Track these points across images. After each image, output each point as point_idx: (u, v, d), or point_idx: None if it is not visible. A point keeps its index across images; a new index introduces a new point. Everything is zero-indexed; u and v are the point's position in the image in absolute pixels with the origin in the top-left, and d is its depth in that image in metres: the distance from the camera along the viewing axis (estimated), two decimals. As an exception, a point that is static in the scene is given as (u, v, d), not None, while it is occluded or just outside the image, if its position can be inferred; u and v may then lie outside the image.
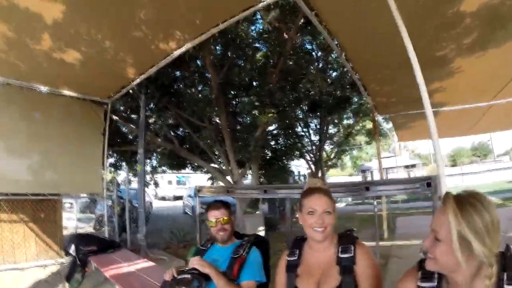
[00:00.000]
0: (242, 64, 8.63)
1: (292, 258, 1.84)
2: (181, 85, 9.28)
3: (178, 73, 8.79)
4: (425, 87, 2.80)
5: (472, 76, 6.19)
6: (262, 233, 8.37)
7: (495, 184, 25.62)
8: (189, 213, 16.36)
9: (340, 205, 22.43)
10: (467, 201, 1.15)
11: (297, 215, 1.92)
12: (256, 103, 7.04)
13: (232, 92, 9.43)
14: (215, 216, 2.37)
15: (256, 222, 9.10)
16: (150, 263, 4.55)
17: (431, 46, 4.93)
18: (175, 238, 8.69)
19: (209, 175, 11.52)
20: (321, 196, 1.76)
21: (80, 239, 5.71)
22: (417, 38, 4.39)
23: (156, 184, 12.45)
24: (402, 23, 2.91)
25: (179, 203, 21.42)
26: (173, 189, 29.67)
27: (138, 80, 6.04)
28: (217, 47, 8.61)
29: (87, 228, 8.66)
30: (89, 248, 5.39)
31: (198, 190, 4.12)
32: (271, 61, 8.21)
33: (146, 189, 10.30)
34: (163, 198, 28.65)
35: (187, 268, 2.12)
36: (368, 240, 8.61)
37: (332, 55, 8.97)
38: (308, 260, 1.81)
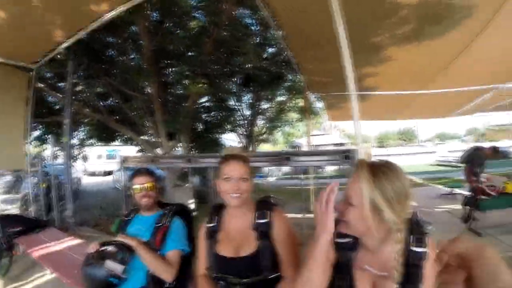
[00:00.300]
0: (177, 32, 8.29)
1: (211, 225, 1.89)
2: (113, 52, 8.74)
3: (110, 39, 8.26)
4: (352, 70, 2.91)
5: (403, 64, 6.53)
6: (192, 206, 8.35)
7: (418, 166, 28.26)
8: (119, 187, 15.67)
9: (270, 179, 23.05)
10: (380, 170, 1.23)
11: None
12: (188, 73, 6.84)
13: (165, 61, 9.01)
14: (140, 182, 2.38)
15: (186, 194, 8.98)
16: (80, 241, 4.42)
17: (366, 32, 5.12)
18: (104, 214, 8.39)
19: (139, 148, 11.15)
20: (237, 163, 1.81)
21: (4, 220, 5.24)
22: (353, 23, 4.50)
23: (85, 159, 11.59)
24: (338, 8, 2.96)
25: (110, 178, 20.41)
26: (103, 164, 28.24)
27: (66, 44, 5.53)
28: (154, 13, 8.15)
29: (12, 210, 8.09)
30: (15, 229, 5.01)
31: (123, 160, 4.11)
32: (207, 31, 7.96)
33: (74, 164, 9.77)
34: (93, 174, 27.06)
35: (110, 241, 2.14)
36: (296, 212, 9.02)
37: (270, 32, 8.94)
38: (227, 227, 1.87)
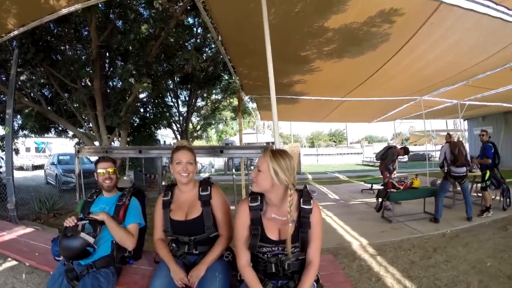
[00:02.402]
0: (127, 31, 8.51)
1: (166, 198, 2.52)
2: (59, 43, 8.65)
3: (58, 29, 8.26)
4: (273, 78, 3.60)
5: (328, 76, 7.31)
6: None
7: (346, 165, 29.93)
8: (52, 182, 14.89)
9: (203, 175, 23.27)
10: (278, 152, 1.98)
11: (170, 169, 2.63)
12: (134, 72, 7.09)
13: (111, 58, 9.26)
14: (104, 167, 2.86)
15: (126, 186, 9.12)
16: (30, 229, 4.46)
17: (297, 47, 5.77)
18: (44, 208, 8.24)
19: (75, 140, 10.98)
20: (185, 151, 2.47)
21: None
22: (285, 39, 5.16)
23: (17, 151, 10.50)
24: (267, 25, 3.52)
25: (39, 173, 19.22)
26: (31, 158, 26.37)
27: (16, 32, 5.47)
28: (104, 10, 8.33)
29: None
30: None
31: (78, 150, 4.34)
32: (155, 35, 8.34)
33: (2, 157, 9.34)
34: (21, 168, 24.69)
35: (84, 217, 2.56)
36: (230, 204, 9.41)
37: (210, 35, 9.34)
38: (178, 199, 2.52)
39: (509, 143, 12.52)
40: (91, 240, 2.43)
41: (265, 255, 2.03)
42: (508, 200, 7.71)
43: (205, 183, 2.54)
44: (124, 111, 7.96)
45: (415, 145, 35.01)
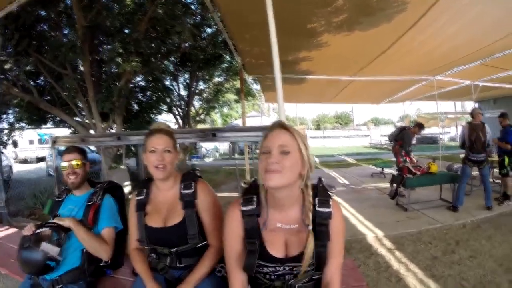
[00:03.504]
0: (113, 8, 7.84)
1: (140, 198, 1.94)
2: (45, 27, 8.07)
3: (43, 13, 7.64)
4: (277, 54, 2.94)
5: (337, 52, 6.69)
6: (128, 188, 8.08)
7: (353, 147, 29.67)
8: (53, 174, 14.32)
9: (208, 160, 23.04)
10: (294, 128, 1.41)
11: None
12: (120, 50, 6.52)
13: (99, 38, 8.52)
14: (67, 160, 2.32)
15: (122, 177, 8.68)
16: (14, 230, 4.11)
17: (303, 18, 5.15)
18: (39, 203, 7.85)
19: (72, 130, 10.37)
20: (161, 136, 1.87)
21: None
22: (289, 9, 4.58)
23: (15, 144, 10.40)
24: None
25: (43, 164, 18.78)
26: (36, 150, 26.21)
27: None
28: None
29: None
30: None
31: (54, 141, 3.91)
32: (143, 8, 7.63)
33: (4, 150, 8.99)
34: (25, 161, 24.82)
35: (45, 223, 2.09)
36: (232, 190, 9.13)
37: (209, 13, 8.78)
38: (155, 199, 1.95)
39: None
40: (54, 251, 1.99)
41: (267, 276, 1.46)
42: None
43: (188, 177, 1.95)
44: (116, 95, 7.42)
45: (419, 134, 34.60)
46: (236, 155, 13.32)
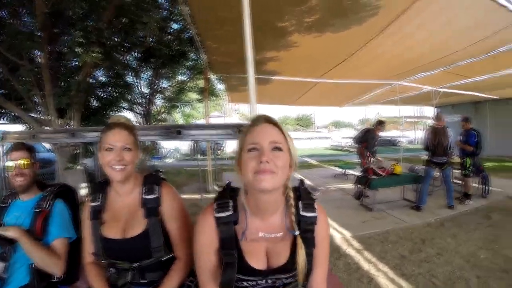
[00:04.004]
0: None
1: (95, 204, 1.66)
2: (4, 14, 7.42)
3: None
4: (252, 53, 2.82)
5: (305, 53, 6.67)
6: (85, 190, 7.63)
7: (315, 149, 30.13)
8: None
9: (168, 161, 22.62)
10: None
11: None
12: (82, 40, 6.10)
13: (60, 27, 7.69)
14: (14, 158, 2.00)
15: (78, 177, 8.14)
16: None
17: (274, 16, 5.05)
18: None
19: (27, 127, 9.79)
20: (120, 131, 1.62)
21: None
22: (261, 6, 4.45)
23: None
24: None
25: None
26: None
27: None
28: None
29: None
30: None
31: (2, 137, 3.56)
32: None
33: None
34: None
35: None
36: (194, 192, 8.91)
37: (176, 7, 8.49)
38: (113, 205, 1.67)
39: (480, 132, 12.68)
40: None
41: None
42: (487, 187, 7.60)
43: (151, 180, 1.70)
44: (74, 89, 6.97)
45: (382, 131, 35.69)
46: (199, 156, 13.08)
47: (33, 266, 1.84)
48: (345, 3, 4.57)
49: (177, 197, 1.71)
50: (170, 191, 1.70)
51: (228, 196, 1.32)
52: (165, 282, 1.58)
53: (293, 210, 1.26)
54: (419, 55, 7.11)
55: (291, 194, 1.28)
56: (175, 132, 2.90)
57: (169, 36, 9.86)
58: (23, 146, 2.07)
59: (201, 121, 27.46)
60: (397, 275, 3.86)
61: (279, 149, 1.18)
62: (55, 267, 1.86)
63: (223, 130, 2.86)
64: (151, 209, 1.61)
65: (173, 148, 26.59)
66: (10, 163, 1.98)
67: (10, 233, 1.77)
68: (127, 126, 1.66)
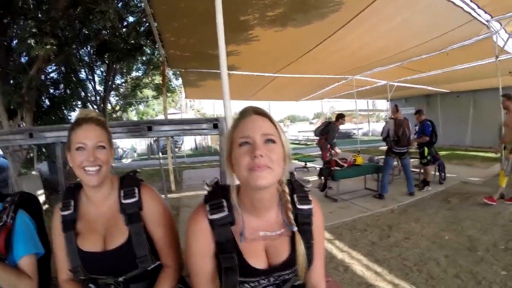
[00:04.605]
0: None
1: (66, 212, 1.41)
2: None
3: None
4: (224, 48, 2.74)
5: (265, 47, 6.69)
6: (42, 198, 7.12)
7: (272, 144, 30.64)
8: None
9: (126, 161, 21.99)
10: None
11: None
12: (34, 30, 5.66)
13: (9, 18, 7.22)
14: None
15: (34, 184, 7.40)
16: None
17: (237, 8, 4.95)
18: None
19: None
20: (92, 127, 1.38)
21: None
22: None
23: None
24: None
25: None
26: None
27: None
28: None
29: None
30: None
31: None
32: None
33: None
34: None
35: None
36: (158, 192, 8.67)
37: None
38: (87, 213, 1.44)
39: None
40: None
41: None
42: (443, 174, 8.00)
43: (129, 182, 1.49)
44: (25, 87, 6.49)
45: (343, 124, 36.70)
46: (160, 154, 12.76)
47: None
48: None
49: (159, 199, 1.52)
50: (151, 192, 1.50)
51: (220, 195, 1.20)
52: None
53: (289, 205, 1.19)
54: (375, 51, 7.37)
55: (286, 189, 1.20)
56: (146, 128, 2.71)
57: (125, 29, 9.51)
58: None
59: (157, 118, 26.96)
60: (371, 261, 3.95)
61: (273, 141, 1.09)
62: None
63: (197, 125, 2.71)
64: (132, 215, 1.41)
65: (129, 148, 25.89)
66: None
67: None
68: (99, 121, 1.43)
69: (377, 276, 3.59)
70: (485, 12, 5.73)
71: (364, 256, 4.12)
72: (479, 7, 5.44)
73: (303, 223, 1.20)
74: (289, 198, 1.19)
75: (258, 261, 1.18)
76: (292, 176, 1.28)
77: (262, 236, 1.19)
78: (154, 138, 17.23)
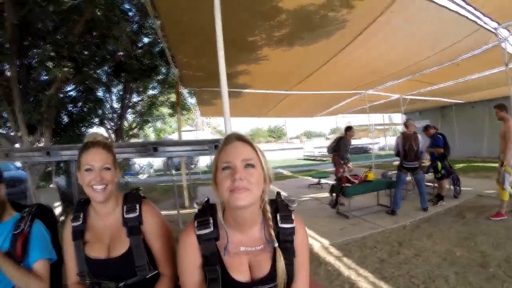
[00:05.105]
0: (47, 6, 6.95)
1: (76, 224, 1.63)
2: None
3: None
4: (224, 67, 2.85)
5: (275, 66, 6.81)
6: (59, 209, 7.40)
7: (288, 160, 30.37)
8: None
9: (142, 176, 22.25)
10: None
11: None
12: (52, 54, 5.96)
13: (30, 40, 7.46)
14: None
15: (51, 197, 7.77)
16: None
17: (245, 30, 5.15)
18: None
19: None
20: (99, 151, 1.60)
21: None
22: (231, 20, 4.51)
23: None
24: (218, 2, 2.86)
25: None
26: None
27: None
28: None
29: None
30: None
31: None
32: (80, 8, 6.90)
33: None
34: None
35: None
36: (170, 209, 8.80)
37: (148, 20, 8.46)
38: (94, 225, 1.66)
39: (447, 136, 13.27)
40: None
41: None
42: (458, 188, 7.86)
43: (132, 199, 1.70)
44: (45, 105, 6.79)
45: (353, 139, 36.31)
46: (174, 172, 12.98)
47: None
48: (314, 17, 4.72)
49: (158, 215, 1.71)
50: (151, 209, 1.69)
51: (208, 213, 1.34)
52: None
53: (271, 223, 1.31)
54: (385, 65, 7.38)
55: (268, 208, 1.32)
56: (152, 149, 2.92)
57: (140, 50, 9.76)
58: None
59: (174, 136, 27.24)
60: (378, 278, 3.92)
61: (252, 165, 1.22)
62: None
63: (199, 146, 2.93)
64: (133, 228, 1.61)
65: (146, 164, 26.22)
66: None
67: None
68: (105, 145, 1.64)
69: (383, 294, 3.55)
70: (492, 20, 5.67)
71: (372, 273, 4.09)
72: (484, 15, 5.41)
73: (285, 240, 1.30)
74: (270, 216, 1.31)
75: (240, 275, 1.28)
76: (279, 195, 1.42)
77: (244, 251, 1.31)
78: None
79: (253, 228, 1.33)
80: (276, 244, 1.28)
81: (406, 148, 6.84)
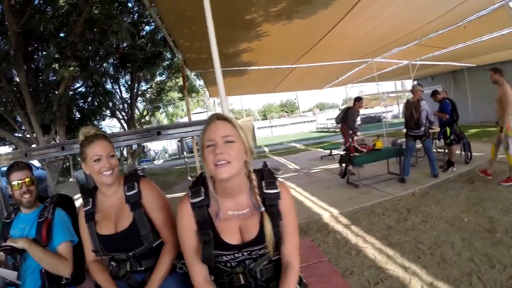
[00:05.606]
0: (46, 11, 7.23)
1: (87, 208, 1.87)
2: None
3: None
4: (216, 47, 2.91)
5: (277, 41, 6.73)
6: (79, 201, 7.59)
7: (301, 133, 30.22)
8: None
9: (157, 162, 22.55)
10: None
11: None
12: (57, 56, 6.14)
13: (34, 45, 7.84)
14: (19, 177, 2.19)
15: (71, 190, 8.15)
16: None
17: (241, 9, 5.12)
18: None
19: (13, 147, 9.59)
20: (102, 142, 1.82)
21: None
22: (227, 1, 4.54)
23: None
24: None
25: None
26: None
27: None
28: None
29: None
30: None
31: None
32: (77, 9, 7.13)
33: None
34: None
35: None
36: (186, 190, 8.96)
37: (146, 10, 8.51)
38: (102, 206, 1.88)
39: (459, 101, 12.97)
40: (12, 276, 1.89)
41: (228, 264, 1.51)
42: (469, 153, 7.78)
43: (131, 179, 1.90)
44: (56, 104, 7.00)
45: (366, 108, 35.72)
46: (186, 154, 13.19)
47: (43, 271, 2.03)
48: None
49: (155, 189, 1.90)
50: (148, 184, 1.89)
51: (200, 183, 1.52)
52: (158, 266, 1.79)
53: (256, 190, 1.45)
54: (389, 31, 7.21)
55: (253, 176, 1.47)
56: (155, 133, 3.09)
57: (142, 39, 9.84)
58: (25, 165, 2.27)
59: (185, 119, 27.38)
60: (384, 245, 4.02)
61: (231, 141, 1.37)
62: (64, 269, 2.06)
63: (200, 126, 3.05)
64: (134, 203, 1.81)
65: (161, 149, 26.55)
66: (15, 182, 2.16)
67: (19, 244, 1.94)
68: (105, 136, 1.87)
69: (388, 259, 3.66)
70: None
71: (379, 240, 4.19)
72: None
73: (270, 205, 1.46)
74: (255, 183, 1.46)
75: (231, 238, 1.45)
76: (265, 165, 1.58)
77: (232, 215, 1.48)
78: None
79: (241, 196, 1.48)
80: (263, 209, 1.43)
81: (407, 116, 6.82)
